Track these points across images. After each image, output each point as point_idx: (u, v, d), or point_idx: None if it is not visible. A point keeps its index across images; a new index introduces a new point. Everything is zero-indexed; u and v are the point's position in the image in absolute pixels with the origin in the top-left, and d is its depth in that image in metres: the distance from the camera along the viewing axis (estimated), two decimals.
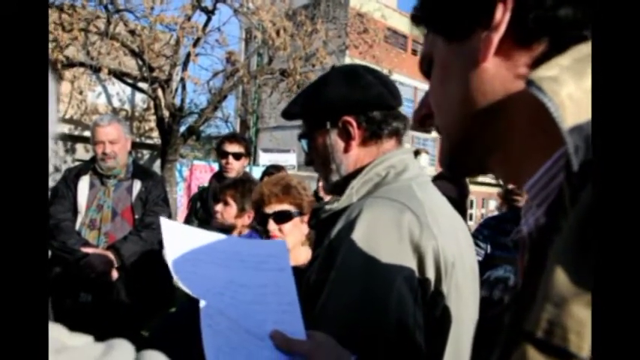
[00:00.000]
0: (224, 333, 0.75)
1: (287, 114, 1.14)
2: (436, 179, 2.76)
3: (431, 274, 0.89)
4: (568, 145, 0.39)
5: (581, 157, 0.38)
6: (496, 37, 0.46)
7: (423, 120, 0.60)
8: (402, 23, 18.55)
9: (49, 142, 0.39)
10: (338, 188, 1.08)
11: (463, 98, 0.50)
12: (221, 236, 0.94)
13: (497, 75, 0.47)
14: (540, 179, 0.45)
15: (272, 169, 3.77)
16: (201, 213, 3.03)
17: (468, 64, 0.49)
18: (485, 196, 22.61)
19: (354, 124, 1.05)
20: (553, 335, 0.33)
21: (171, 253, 0.83)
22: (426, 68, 0.57)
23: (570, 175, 0.39)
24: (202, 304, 0.77)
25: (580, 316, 0.32)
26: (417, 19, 0.57)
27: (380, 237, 0.88)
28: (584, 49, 0.42)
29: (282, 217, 1.71)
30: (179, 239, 0.86)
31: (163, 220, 0.88)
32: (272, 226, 1.70)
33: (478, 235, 3.27)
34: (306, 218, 1.75)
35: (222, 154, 3.10)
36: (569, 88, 0.40)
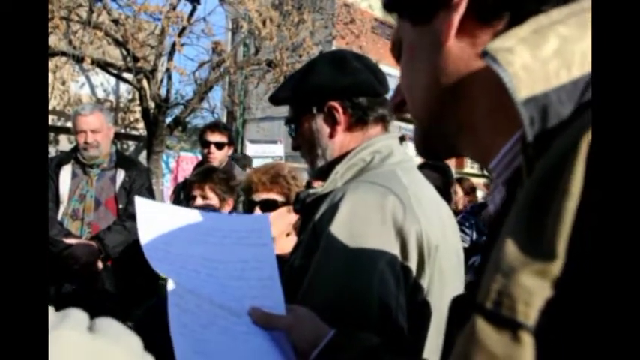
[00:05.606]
0: (192, 311, 0.74)
1: (274, 99, 1.14)
2: (421, 168, 2.78)
3: (414, 257, 0.89)
4: (522, 116, 0.38)
5: (536, 128, 0.38)
6: (456, 17, 0.46)
7: (399, 106, 0.60)
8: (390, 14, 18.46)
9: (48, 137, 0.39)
10: (323, 173, 1.08)
11: (429, 81, 0.50)
12: (202, 213, 0.92)
13: (460, 55, 0.47)
14: (503, 158, 0.45)
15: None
16: (184, 204, 2.99)
17: (433, 46, 0.49)
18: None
19: (340, 109, 1.05)
20: (502, 305, 0.33)
21: (145, 232, 0.81)
22: (397, 53, 0.58)
23: (526, 147, 0.39)
24: (170, 283, 0.76)
25: (528, 285, 0.32)
26: (387, 6, 0.57)
27: (363, 220, 0.88)
28: (543, 20, 0.42)
29: (269, 206, 1.72)
30: (154, 218, 0.85)
31: (138, 200, 0.86)
32: (258, 213, 1.71)
33: (464, 222, 3.33)
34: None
35: (204, 144, 3.03)
36: (524, 58, 0.40)
